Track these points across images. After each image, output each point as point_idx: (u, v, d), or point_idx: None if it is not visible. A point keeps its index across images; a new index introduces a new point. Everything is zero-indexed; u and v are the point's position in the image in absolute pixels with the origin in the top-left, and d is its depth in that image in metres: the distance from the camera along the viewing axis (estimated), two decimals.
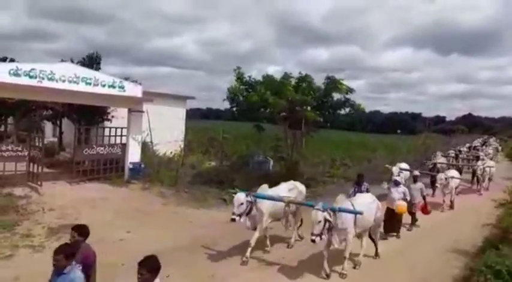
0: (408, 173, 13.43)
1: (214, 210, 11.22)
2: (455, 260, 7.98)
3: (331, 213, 6.41)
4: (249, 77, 14.28)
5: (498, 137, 51.46)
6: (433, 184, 14.61)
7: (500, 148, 35.58)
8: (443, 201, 12.71)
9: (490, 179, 17.42)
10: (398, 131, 69.23)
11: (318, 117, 13.61)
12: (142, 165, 13.50)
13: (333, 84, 13.69)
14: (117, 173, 13.21)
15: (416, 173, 11.10)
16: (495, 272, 6.13)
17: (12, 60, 17.50)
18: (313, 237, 6.21)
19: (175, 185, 12.98)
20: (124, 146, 13.47)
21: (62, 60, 15.28)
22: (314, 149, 19.76)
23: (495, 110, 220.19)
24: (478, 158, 20.09)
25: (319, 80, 14.16)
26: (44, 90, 11.11)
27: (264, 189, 7.64)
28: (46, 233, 8.25)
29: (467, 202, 14.06)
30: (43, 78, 11.02)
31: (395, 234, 9.41)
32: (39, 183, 11.45)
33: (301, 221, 8.67)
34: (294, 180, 9.17)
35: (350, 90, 13.87)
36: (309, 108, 13.81)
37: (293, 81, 13.96)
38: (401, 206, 8.92)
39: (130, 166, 13.31)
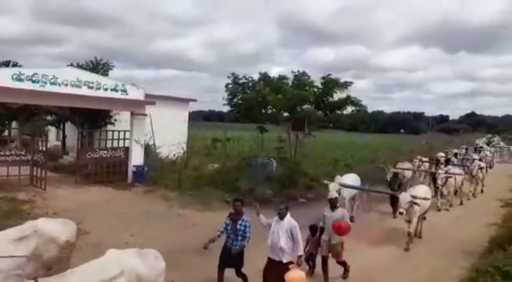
0: (354, 190, 9.89)
1: (218, 212, 11.14)
2: (461, 261, 7.91)
3: None
4: (244, 76, 14.30)
5: (502, 136, 50.85)
6: (393, 204, 10.74)
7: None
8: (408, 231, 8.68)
9: (456, 191, 13.60)
10: (401, 131, 69.12)
11: (319, 114, 13.70)
12: (146, 169, 13.52)
13: (330, 82, 13.79)
14: (120, 176, 13.24)
15: (334, 194, 7.10)
16: (502, 273, 6.08)
17: (15, 65, 17.64)
18: None
19: (178, 187, 12.97)
20: (127, 150, 13.50)
21: (71, 65, 15.37)
22: (317, 150, 19.71)
23: (499, 108, 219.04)
24: (437, 163, 15.53)
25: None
26: (46, 95, 11.17)
27: None
28: None
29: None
30: (45, 83, 11.09)
31: None
32: (43, 187, 11.49)
33: None
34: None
35: (348, 84, 13.95)
36: (308, 106, 13.91)
37: (290, 81, 14.09)
38: (296, 279, 4.85)
39: (134, 169, 13.33)
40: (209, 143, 20.25)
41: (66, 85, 11.52)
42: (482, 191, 15.86)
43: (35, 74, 10.93)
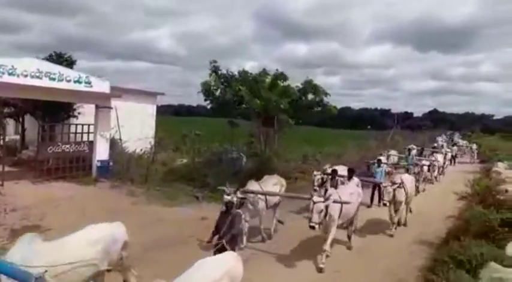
0: None
1: (186, 207, 11.09)
2: (420, 251, 8.27)
3: None
4: (227, 70, 14.26)
5: (462, 133, 52.81)
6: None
7: (475, 147, 28.68)
8: None
9: (351, 223, 8.26)
10: (369, 127, 71.05)
11: (290, 119, 13.93)
12: (111, 163, 13.19)
13: (310, 88, 14.00)
14: (84, 171, 12.85)
15: None
16: (457, 262, 6.42)
17: None
18: None
19: (145, 182, 12.75)
20: (91, 144, 13.10)
21: (38, 57, 14.53)
22: (287, 146, 19.87)
23: (462, 106, 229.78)
24: (334, 176, 9.95)
25: (295, 76, 14.50)
26: (4, 86, 10.63)
27: None
28: (8, 234, 7.90)
29: None
30: (3, 73, 10.55)
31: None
32: (0, 182, 10.95)
33: None
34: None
35: (326, 94, 14.26)
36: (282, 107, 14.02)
37: (269, 79, 14.09)
38: None
39: (98, 164, 12.97)
40: (178, 138, 19.99)
41: (26, 76, 10.99)
42: (405, 224, 10.20)
43: None
